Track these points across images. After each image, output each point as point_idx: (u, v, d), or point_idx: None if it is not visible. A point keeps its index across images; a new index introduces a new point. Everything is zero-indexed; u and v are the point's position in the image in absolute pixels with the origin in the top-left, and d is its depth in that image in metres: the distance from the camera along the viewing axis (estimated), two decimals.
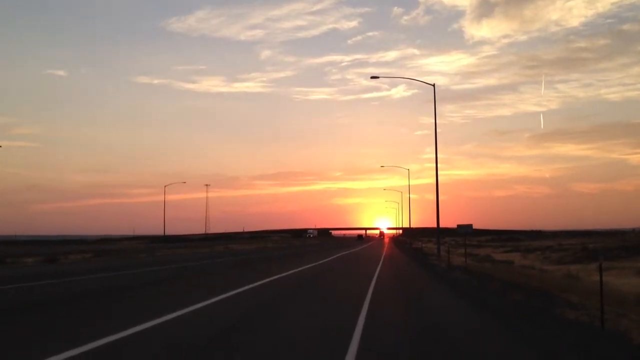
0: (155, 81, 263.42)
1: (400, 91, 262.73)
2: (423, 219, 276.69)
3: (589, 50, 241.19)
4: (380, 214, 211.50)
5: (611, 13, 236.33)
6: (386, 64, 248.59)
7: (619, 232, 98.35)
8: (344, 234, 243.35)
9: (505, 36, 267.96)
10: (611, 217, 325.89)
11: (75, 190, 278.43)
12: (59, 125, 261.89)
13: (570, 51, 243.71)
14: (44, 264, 31.20)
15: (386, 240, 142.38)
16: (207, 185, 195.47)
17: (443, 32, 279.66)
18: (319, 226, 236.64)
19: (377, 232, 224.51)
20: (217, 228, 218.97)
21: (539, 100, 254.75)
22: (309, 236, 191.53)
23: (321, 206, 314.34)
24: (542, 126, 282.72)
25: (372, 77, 41.22)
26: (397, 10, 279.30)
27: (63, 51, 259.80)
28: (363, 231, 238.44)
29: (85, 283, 17.80)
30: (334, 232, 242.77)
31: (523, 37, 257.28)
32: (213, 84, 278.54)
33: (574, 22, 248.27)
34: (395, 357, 7.01)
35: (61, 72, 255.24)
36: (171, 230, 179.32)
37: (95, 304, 12.47)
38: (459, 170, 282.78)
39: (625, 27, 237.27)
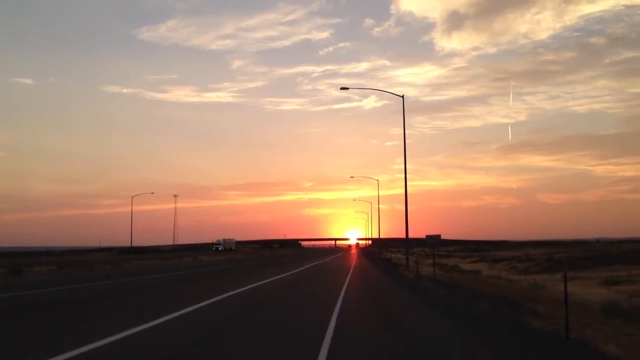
0: (125, 90, 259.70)
1: (371, 102, 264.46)
2: (392, 230, 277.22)
3: (557, 62, 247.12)
4: (351, 224, 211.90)
5: (578, 26, 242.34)
6: (357, 75, 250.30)
7: (583, 242, 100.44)
8: (314, 245, 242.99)
9: (474, 48, 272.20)
10: (576, 227, 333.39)
11: (42, 201, 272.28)
12: (26, 134, 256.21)
13: (538, 64, 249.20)
14: (9, 275, 30.41)
15: (354, 251, 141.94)
16: (175, 195, 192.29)
17: (414, 44, 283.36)
18: (289, 237, 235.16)
19: (350, 242, 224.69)
20: (186, 239, 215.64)
21: (507, 112, 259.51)
22: (218, 249, 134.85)
23: (292, 217, 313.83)
24: (510, 138, 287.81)
25: (342, 88, 41.29)
26: (368, 21, 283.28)
27: (30, 59, 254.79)
28: (333, 242, 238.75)
29: (48, 295, 17.33)
30: (304, 243, 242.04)
31: (492, 50, 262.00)
32: (184, 94, 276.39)
33: (542, 35, 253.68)
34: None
35: (28, 81, 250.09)
36: (139, 242, 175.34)
37: (53, 317, 12.09)
38: (429, 181, 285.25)
39: (592, 40, 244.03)
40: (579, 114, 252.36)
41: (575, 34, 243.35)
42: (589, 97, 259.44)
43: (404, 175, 39.20)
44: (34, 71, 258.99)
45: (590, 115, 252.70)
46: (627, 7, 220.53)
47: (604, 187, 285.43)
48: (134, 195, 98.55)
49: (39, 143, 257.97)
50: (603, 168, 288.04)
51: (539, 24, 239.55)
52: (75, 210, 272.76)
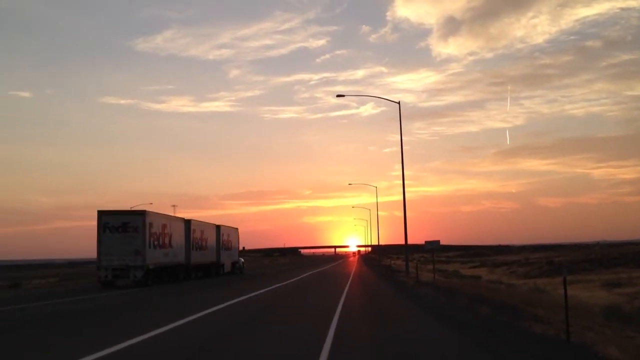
0: (122, 101, 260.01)
1: (368, 109, 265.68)
2: (392, 236, 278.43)
3: (553, 66, 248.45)
4: (350, 231, 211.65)
5: (574, 30, 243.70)
6: (354, 82, 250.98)
7: (583, 245, 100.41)
8: (314, 252, 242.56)
9: (471, 53, 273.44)
10: (576, 230, 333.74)
11: (40, 213, 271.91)
12: (24, 146, 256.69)
13: (534, 68, 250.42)
14: (7, 289, 30.14)
15: (354, 258, 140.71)
16: (174, 206, 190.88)
17: (410, 50, 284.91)
18: (289, 245, 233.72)
19: (352, 250, 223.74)
20: None
21: (504, 116, 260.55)
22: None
23: (291, 225, 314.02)
24: (508, 142, 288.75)
25: (338, 96, 41.37)
26: (365, 28, 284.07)
27: (27, 72, 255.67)
28: (332, 249, 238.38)
29: (43, 309, 17.23)
30: (304, 251, 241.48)
31: (489, 54, 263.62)
32: (181, 104, 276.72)
33: (539, 39, 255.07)
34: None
35: (26, 94, 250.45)
36: None
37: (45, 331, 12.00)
38: (427, 186, 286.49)
39: (588, 43, 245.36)
40: (577, 117, 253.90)
41: (572, 37, 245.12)
42: (587, 100, 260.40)
43: (402, 181, 39.16)
44: (32, 84, 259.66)
45: (588, 118, 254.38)
46: (623, 9, 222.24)
47: (603, 190, 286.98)
48: (133, 207, 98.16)
49: (37, 155, 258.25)
50: (602, 171, 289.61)
51: (535, 28, 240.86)
52: (73, 222, 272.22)
